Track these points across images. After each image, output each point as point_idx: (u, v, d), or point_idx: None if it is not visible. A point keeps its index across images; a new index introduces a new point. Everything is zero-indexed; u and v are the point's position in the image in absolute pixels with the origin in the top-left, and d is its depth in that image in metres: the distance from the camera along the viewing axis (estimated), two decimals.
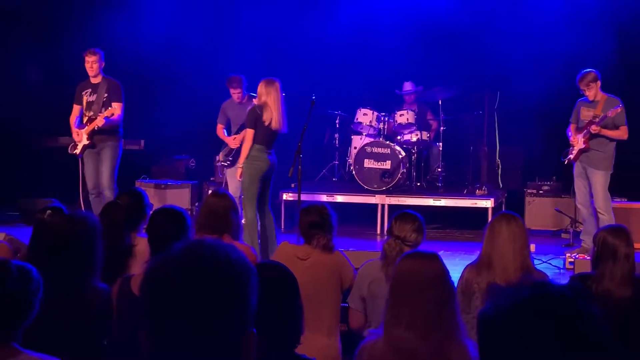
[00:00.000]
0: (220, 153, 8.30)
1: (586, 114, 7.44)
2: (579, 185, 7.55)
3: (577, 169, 7.54)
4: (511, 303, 1.43)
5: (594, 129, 7.24)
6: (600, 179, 7.37)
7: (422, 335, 2.71)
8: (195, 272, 1.38)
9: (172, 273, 1.39)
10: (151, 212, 4.00)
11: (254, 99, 7.47)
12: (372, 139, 9.48)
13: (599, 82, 7.30)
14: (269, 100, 6.93)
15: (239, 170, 7.05)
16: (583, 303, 1.42)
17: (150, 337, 1.38)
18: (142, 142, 10.26)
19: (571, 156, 7.51)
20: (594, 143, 7.35)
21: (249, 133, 7.00)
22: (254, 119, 6.97)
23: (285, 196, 9.16)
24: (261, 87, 6.99)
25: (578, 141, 7.41)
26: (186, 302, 1.36)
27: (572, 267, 6.48)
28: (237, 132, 8.10)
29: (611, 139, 7.36)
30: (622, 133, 7.34)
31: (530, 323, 1.39)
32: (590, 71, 7.33)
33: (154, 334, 1.38)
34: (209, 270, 1.39)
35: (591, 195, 7.49)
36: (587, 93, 7.33)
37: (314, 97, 7.32)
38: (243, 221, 6.59)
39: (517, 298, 1.43)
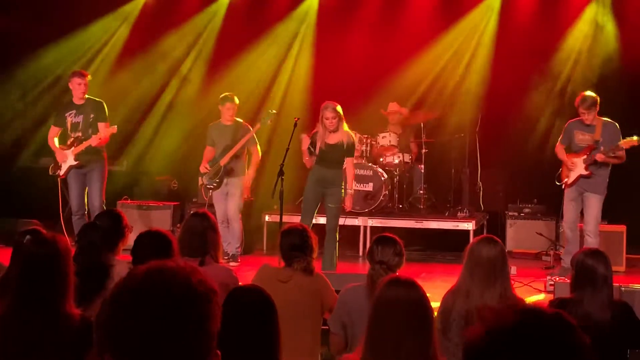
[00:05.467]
0: (205, 175, 8.06)
1: (581, 137, 7.32)
2: (569, 208, 7.41)
3: (572, 193, 7.39)
4: (499, 330, 1.36)
5: (600, 157, 7.11)
6: (597, 203, 7.29)
7: None
8: (155, 297, 1.40)
9: (133, 298, 1.40)
10: (137, 236, 3.95)
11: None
12: (354, 161, 9.47)
13: (598, 107, 7.19)
14: None
15: (351, 199, 7.37)
16: (574, 331, 1.37)
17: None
18: (125, 162, 10.21)
19: (568, 180, 7.37)
20: (594, 168, 7.26)
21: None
22: None
23: (267, 217, 9.13)
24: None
25: (577, 166, 7.30)
26: (147, 326, 1.38)
27: (552, 290, 6.47)
28: (222, 154, 7.95)
29: (609, 164, 7.28)
30: (622, 156, 7.21)
31: (519, 351, 1.33)
32: (592, 94, 7.22)
33: (117, 358, 1.38)
34: (168, 294, 1.40)
35: (580, 219, 7.44)
36: (586, 117, 7.18)
37: (297, 119, 7.33)
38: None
39: (506, 325, 1.37)
